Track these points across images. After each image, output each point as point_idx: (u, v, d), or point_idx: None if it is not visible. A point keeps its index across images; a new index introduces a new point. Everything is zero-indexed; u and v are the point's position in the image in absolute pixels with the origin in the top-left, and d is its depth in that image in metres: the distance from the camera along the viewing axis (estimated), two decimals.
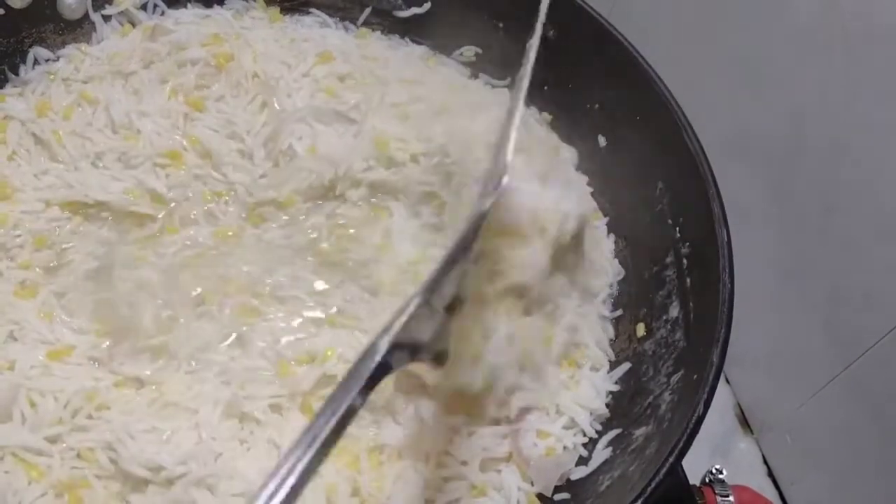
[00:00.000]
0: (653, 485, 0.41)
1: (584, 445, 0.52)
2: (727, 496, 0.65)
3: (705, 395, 0.44)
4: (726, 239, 0.50)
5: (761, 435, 0.86)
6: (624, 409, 0.52)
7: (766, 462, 0.86)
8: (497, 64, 0.67)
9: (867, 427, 0.74)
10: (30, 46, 0.60)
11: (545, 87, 0.65)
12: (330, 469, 0.48)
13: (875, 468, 0.74)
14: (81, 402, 0.46)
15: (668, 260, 0.55)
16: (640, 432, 0.49)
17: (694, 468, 0.60)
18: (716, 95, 0.81)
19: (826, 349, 0.77)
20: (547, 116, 0.65)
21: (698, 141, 0.54)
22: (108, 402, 0.46)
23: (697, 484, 0.67)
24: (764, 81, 0.78)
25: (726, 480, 0.70)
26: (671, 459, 0.42)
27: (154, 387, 0.47)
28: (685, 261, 0.54)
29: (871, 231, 0.71)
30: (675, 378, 0.49)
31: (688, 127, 0.55)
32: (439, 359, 0.40)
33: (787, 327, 0.81)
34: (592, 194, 0.62)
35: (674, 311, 0.54)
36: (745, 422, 0.87)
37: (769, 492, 0.83)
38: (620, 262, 0.60)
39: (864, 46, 0.68)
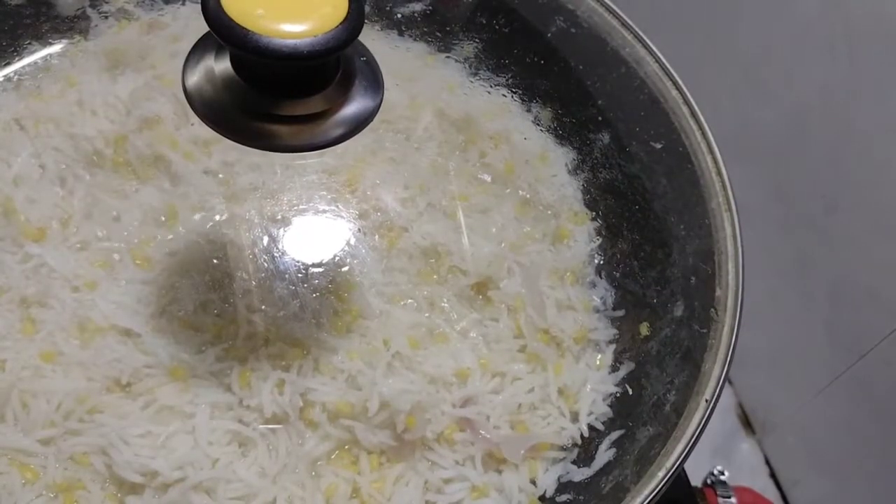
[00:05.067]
0: (657, 488, 0.41)
1: (587, 445, 0.51)
2: (729, 497, 0.65)
3: (710, 398, 0.44)
4: (733, 235, 0.50)
5: (763, 435, 0.86)
6: (628, 409, 0.52)
7: (768, 463, 0.86)
8: (497, 62, 0.67)
9: (870, 427, 0.74)
10: (26, 41, 0.59)
11: (546, 82, 0.64)
12: (329, 470, 0.47)
13: (878, 469, 0.74)
14: (73, 404, 0.45)
15: (673, 258, 0.55)
16: (643, 434, 0.48)
17: (695, 469, 0.60)
18: (717, 93, 0.80)
19: (828, 349, 0.77)
20: (548, 113, 0.65)
21: (705, 135, 0.54)
22: (100, 406, 0.46)
23: (699, 485, 0.67)
24: (766, 79, 0.78)
25: (728, 481, 0.70)
26: (676, 463, 0.42)
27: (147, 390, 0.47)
28: (690, 259, 0.54)
29: (874, 230, 0.70)
30: (679, 379, 0.49)
31: (696, 122, 0.55)
32: None
33: (788, 327, 0.81)
34: (594, 191, 0.61)
35: (678, 311, 0.53)
36: (747, 422, 0.87)
37: (771, 493, 0.83)
38: (623, 261, 0.59)
39: (868, 43, 0.67)
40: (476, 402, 0.50)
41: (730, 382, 0.84)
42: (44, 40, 0.60)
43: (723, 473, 0.74)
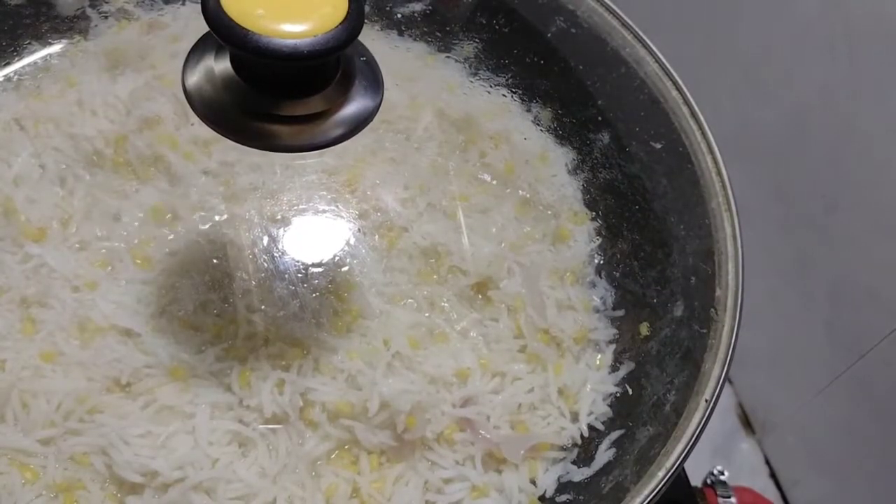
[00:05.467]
0: (657, 488, 0.41)
1: (586, 445, 0.51)
2: (729, 497, 0.65)
3: (710, 398, 0.44)
4: (733, 235, 0.50)
5: (763, 435, 0.86)
6: (628, 409, 0.52)
7: (768, 463, 0.86)
8: (497, 62, 0.67)
9: (870, 427, 0.74)
10: (25, 41, 0.59)
11: (546, 82, 0.64)
12: (329, 470, 0.47)
13: (878, 468, 0.74)
14: (73, 404, 0.45)
15: (673, 258, 0.55)
16: (643, 434, 0.48)
17: (695, 469, 0.60)
18: (716, 93, 0.80)
19: (828, 349, 0.77)
20: (548, 113, 0.65)
21: (705, 136, 0.54)
22: (100, 406, 0.46)
23: (699, 485, 0.67)
24: (765, 79, 0.78)
25: (728, 481, 0.70)
26: (676, 463, 0.42)
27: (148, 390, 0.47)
28: (690, 259, 0.54)
29: (874, 230, 0.70)
30: (679, 379, 0.49)
31: (696, 122, 0.55)
32: None
33: (788, 327, 0.81)
34: (594, 191, 0.61)
35: (678, 311, 0.53)
36: (747, 422, 0.87)
37: (771, 493, 0.83)
38: (623, 261, 0.59)
39: (868, 43, 0.67)
40: (476, 402, 0.50)
41: (730, 382, 0.84)
42: (43, 40, 0.60)
43: (723, 473, 0.74)
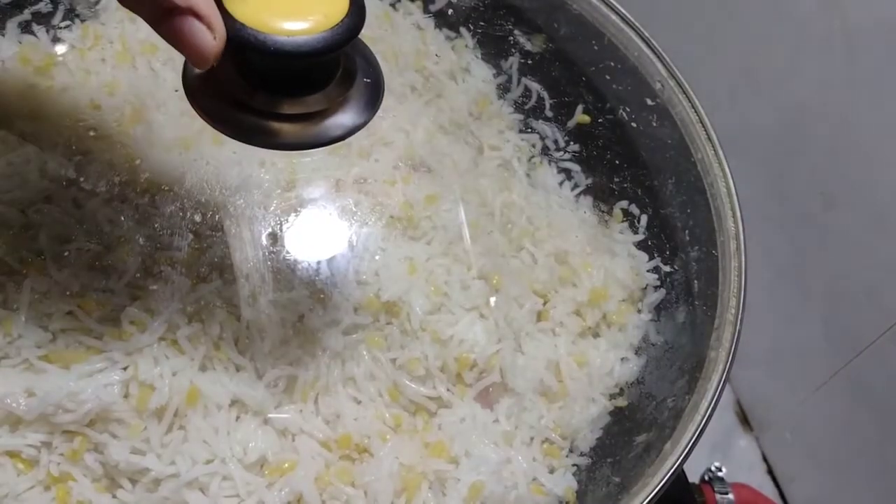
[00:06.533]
0: (657, 488, 0.41)
1: (587, 445, 0.51)
2: (726, 494, 0.65)
3: (709, 403, 0.44)
4: (738, 240, 0.50)
5: (761, 432, 0.86)
6: (628, 410, 0.52)
7: (765, 459, 0.86)
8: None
9: (867, 423, 0.74)
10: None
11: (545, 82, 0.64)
12: (321, 463, 0.47)
13: (875, 465, 0.74)
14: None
15: (677, 264, 0.55)
16: (643, 435, 0.48)
17: (693, 466, 0.60)
18: (714, 91, 0.80)
19: (826, 346, 0.77)
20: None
21: (710, 137, 0.54)
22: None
23: (696, 482, 0.67)
24: (763, 76, 0.78)
25: (726, 478, 0.70)
26: (675, 463, 0.42)
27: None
28: (691, 259, 0.53)
29: (871, 227, 0.70)
30: (679, 384, 0.49)
31: (699, 123, 0.54)
32: None
33: (786, 324, 0.81)
34: (598, 198, 0.61)
35: (680, 317, 0.53)
36: (744, 419, 0.87)
37: (769, 489, 0.83)
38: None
39: (865, 41, 0.67)
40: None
41: (727, 379, 0.84)
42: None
43: (720, 470, 0.74)
